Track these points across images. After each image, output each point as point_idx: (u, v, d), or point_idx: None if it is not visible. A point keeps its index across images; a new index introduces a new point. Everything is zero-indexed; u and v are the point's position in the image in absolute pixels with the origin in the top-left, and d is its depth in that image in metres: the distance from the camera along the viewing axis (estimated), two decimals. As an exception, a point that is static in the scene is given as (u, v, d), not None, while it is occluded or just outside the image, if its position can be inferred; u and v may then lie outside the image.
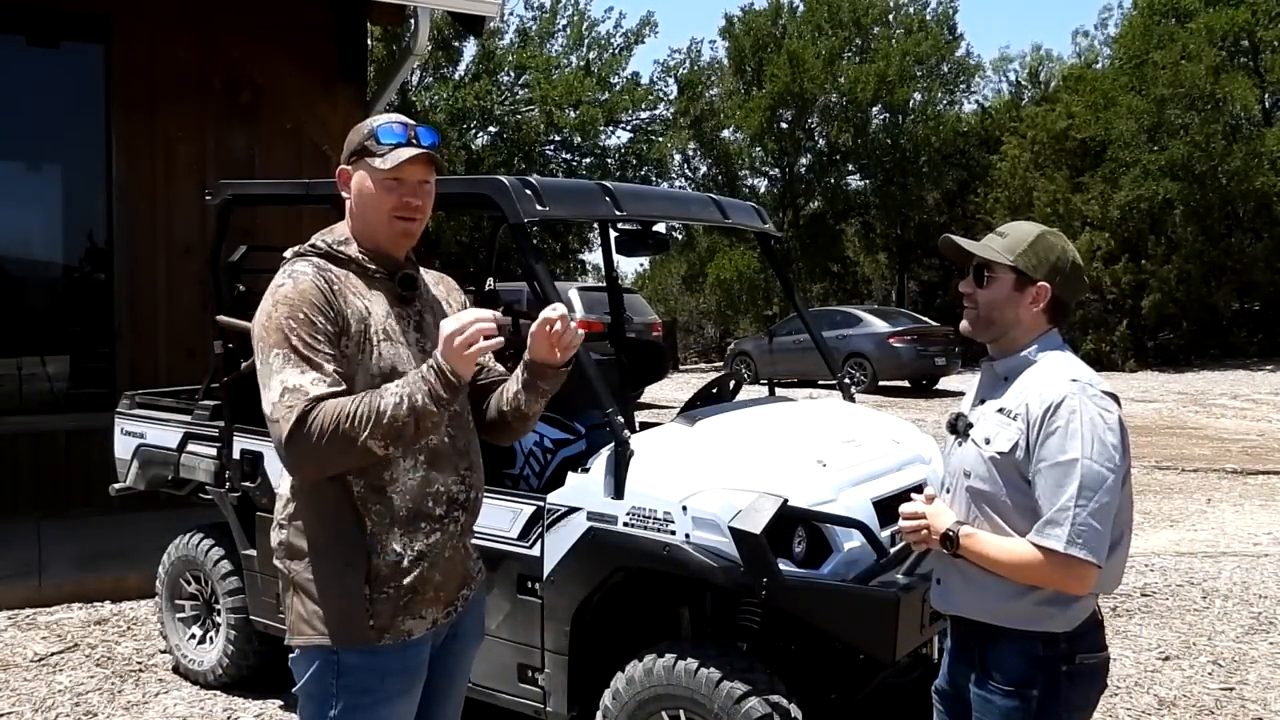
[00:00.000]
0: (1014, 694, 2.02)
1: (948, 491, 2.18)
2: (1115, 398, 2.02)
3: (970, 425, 2.13)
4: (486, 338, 1.86)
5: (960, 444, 2.15)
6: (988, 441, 2.05)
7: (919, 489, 2.42)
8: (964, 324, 2.17)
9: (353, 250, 2.04)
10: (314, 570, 1.99)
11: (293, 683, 2.07)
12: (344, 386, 1.89)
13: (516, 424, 2.17)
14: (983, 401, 2.14)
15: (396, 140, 2.00)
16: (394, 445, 1.88)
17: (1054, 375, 2.02)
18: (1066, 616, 2.02)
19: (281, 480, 2.08)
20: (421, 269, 2.20)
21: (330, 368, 1.89)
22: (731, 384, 4.16)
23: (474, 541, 2.22)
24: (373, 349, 1.97)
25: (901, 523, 2.14)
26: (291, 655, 2.06)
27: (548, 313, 2.00)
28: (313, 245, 2.05)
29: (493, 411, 2.17)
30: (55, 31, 6.85)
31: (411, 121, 2.04)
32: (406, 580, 1.99)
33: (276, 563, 2.06)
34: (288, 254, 2.06)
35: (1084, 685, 2.06)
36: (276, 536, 2.06)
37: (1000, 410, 2.05)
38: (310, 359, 1.88)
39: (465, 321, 1.85)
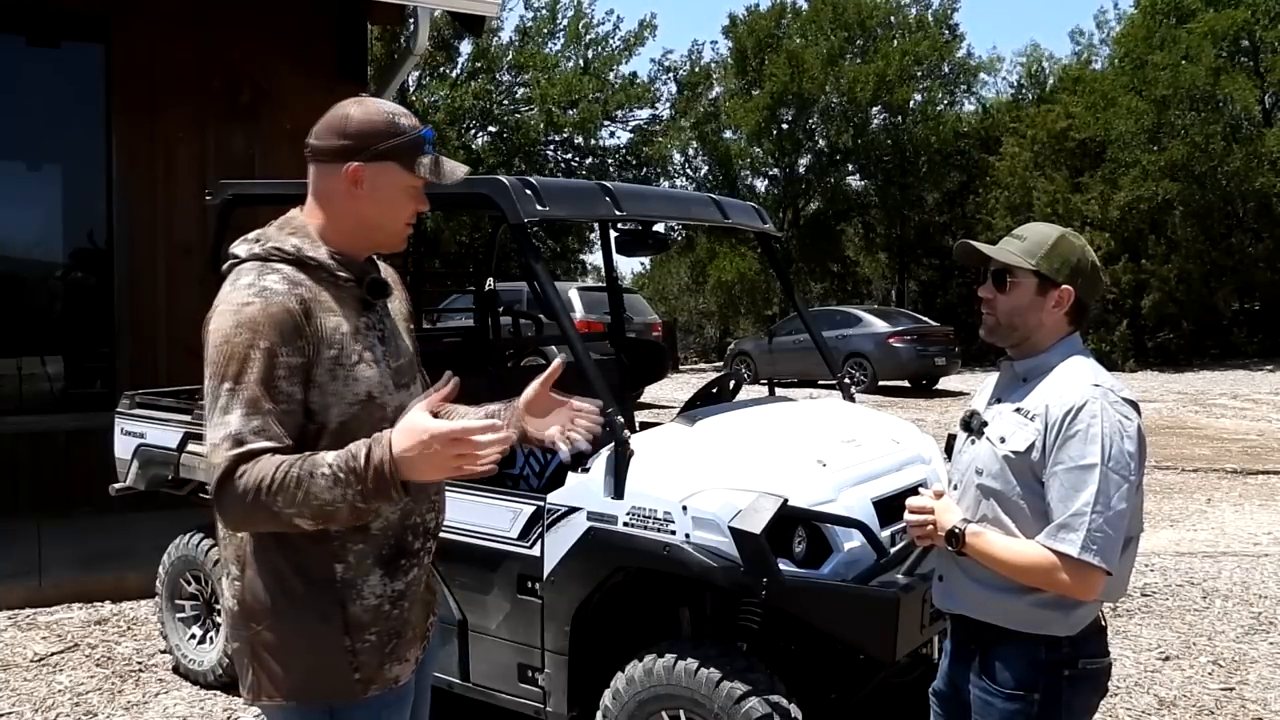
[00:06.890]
0: (1015, 697, 2.02)
1: (955, 488, 2.17)
2: (1136, 405, 2.01)
3: (985, 423, 2.12)
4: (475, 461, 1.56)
5: (973, 441, 2.13)
6: (1003, 440, 2.04)
7: (919, 488, 2.42)
8: (983, 330, 2.15)
9: (322, 255, 1.76)
10: (279, 631, 1.74)
11: None
12: (287, 443, 1.63)
13: None
14: (999, 400, 2.13)
15: (430, 150, 1.78)
16: (329, 525, 1.64)
17: (1076, 379, 2.00)
18: (1070, 620, 2.01)
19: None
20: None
21: (276, 425, 1.63)
22: (731, 384, 4.16)
23: (474, 541, 2.17)
24: (347, 375, 1.72)
25: (908, 516, 2.13)
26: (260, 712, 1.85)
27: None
28: (277, 248, 1.74)
29: None
30: (55, 31, 6.84)
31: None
32: (390, 624, 1.80)
33: (228, 618, 1.81)
34: (240, 250, 1.77)
35: (1086, 690, 2.06)
36: (230, 589, 1.79)
37: (1018, 410, 2.04)
38: (259, 404, 1.62)
39: (468, 431, 1.54)
